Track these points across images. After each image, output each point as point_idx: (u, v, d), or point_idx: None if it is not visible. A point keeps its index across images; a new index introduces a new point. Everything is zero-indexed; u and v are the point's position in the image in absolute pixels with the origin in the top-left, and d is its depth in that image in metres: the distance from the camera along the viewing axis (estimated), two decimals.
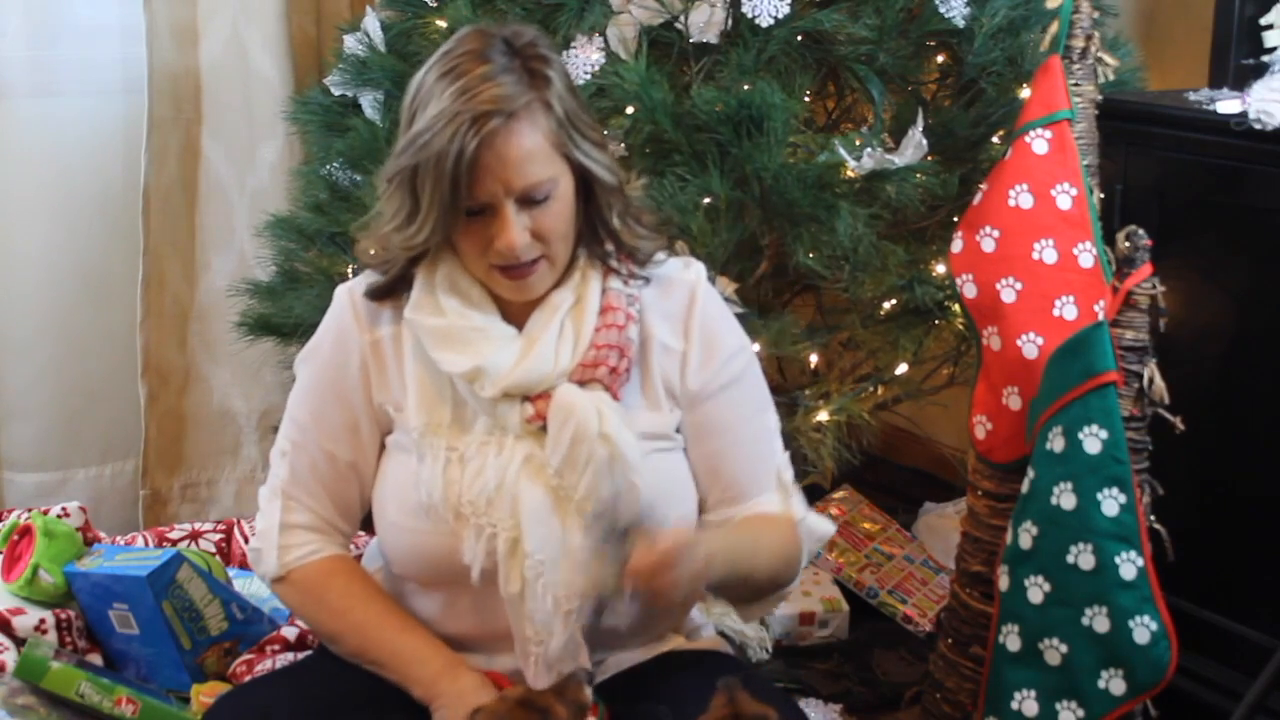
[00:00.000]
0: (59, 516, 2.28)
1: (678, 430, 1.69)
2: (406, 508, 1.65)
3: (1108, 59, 2.07)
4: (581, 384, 1.61)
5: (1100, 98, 2.08)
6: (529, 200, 1.56)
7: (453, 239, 1.60)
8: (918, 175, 2.21)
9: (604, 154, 1.62)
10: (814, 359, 2.56)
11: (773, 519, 1.69)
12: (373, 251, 1.67)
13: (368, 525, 1.75)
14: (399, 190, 1.58)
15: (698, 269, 1.72)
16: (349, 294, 1.70)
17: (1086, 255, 2.00)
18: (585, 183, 1.61)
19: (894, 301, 2.40)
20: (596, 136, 1.62)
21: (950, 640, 2.15)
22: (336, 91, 2.60)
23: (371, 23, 2.53)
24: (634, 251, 1.66)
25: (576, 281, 1.64)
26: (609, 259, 1.65)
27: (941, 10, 2.28)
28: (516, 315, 1.65)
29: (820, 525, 1.74)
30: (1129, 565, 1.79)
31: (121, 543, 2.42)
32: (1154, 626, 1.79)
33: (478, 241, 1.58)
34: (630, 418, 1.63)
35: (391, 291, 1.67)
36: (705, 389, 1.68)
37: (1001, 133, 2.35)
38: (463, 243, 1.59)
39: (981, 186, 2.08)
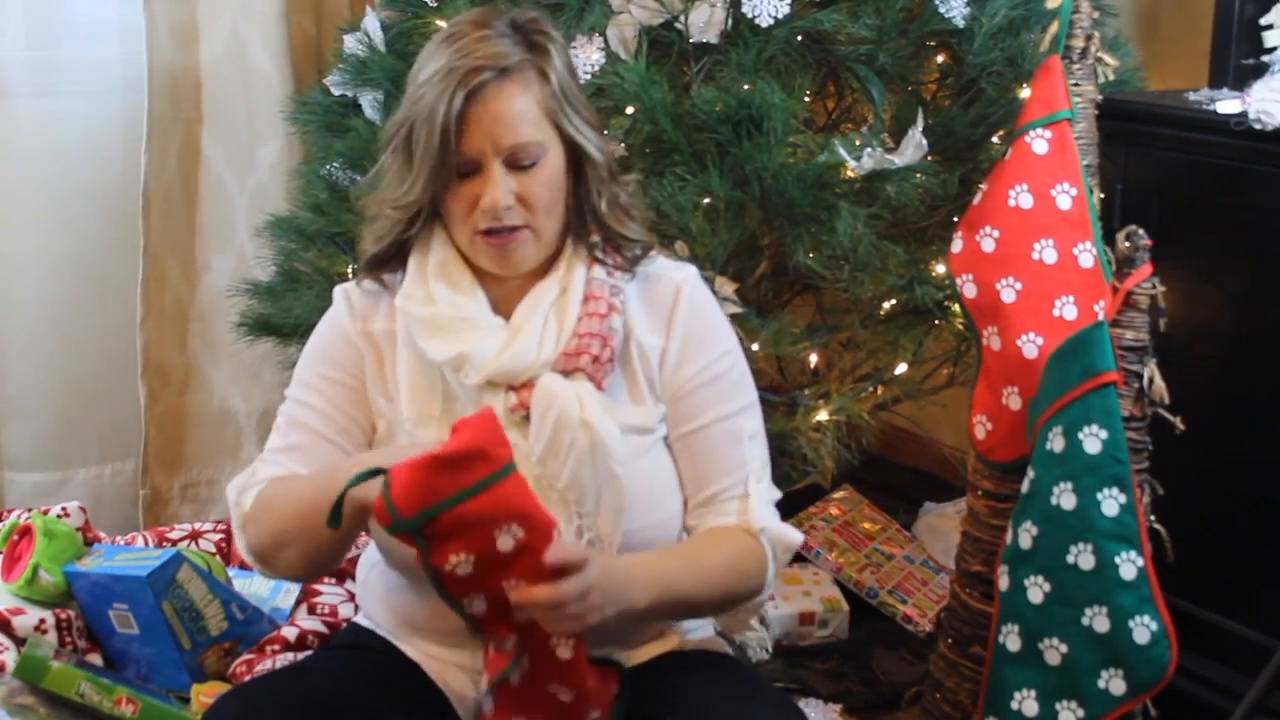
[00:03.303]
0: (59, 516, 2.28)
1: (664, 421, 1.70)
2: None
3: (1108, 59, 2.07)
4: (565, 373, 1.62)
5: (1100, 98, 2.08)
6: (516, 164, 1.58)
7: (442, 205, 1.62)
8: (918, 175, 2.21)
9: (598, 136, 1.64)
10: (814, 359, 2.56)
11: (725, 534, 1.68)
12: (372, 218, 1.69)
13: None
14: (397, 149, 1.62)
15: (689, 271, 1.72)
16: (344, 293, 1.73)
17: (1086, 255, 2.00)
18: (577, 161, 1.63)
19: (894, 301, 2.40)
20: (591, 118, 1.65)
21: (950, 640, 2.15)
22: (336, 91, 2.60)
23: (371, 23, 2.54)
24: (620, 244, 1.67)
25: (562, 273, 1.65)
26: (595, 250, 1.66)
27: (941, 10, 2.28)
28: (506, 307, 1.66)
29: (787, 534, 1.71)
30: (1129, 565, 1.79)
31: (121, 543, 2.42)
32: (1154, 626, 1.79)
33: (465, 204, 1.60)
34: (615, 410, 1.64)
35: (386, 263, 1.68)
36: (683, 388, 1.68)
37: (1001, 133, 2.35)
38: (451, 205, 1.61)
39: (981, 186, 2.08)
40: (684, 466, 1.70)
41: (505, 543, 1.41)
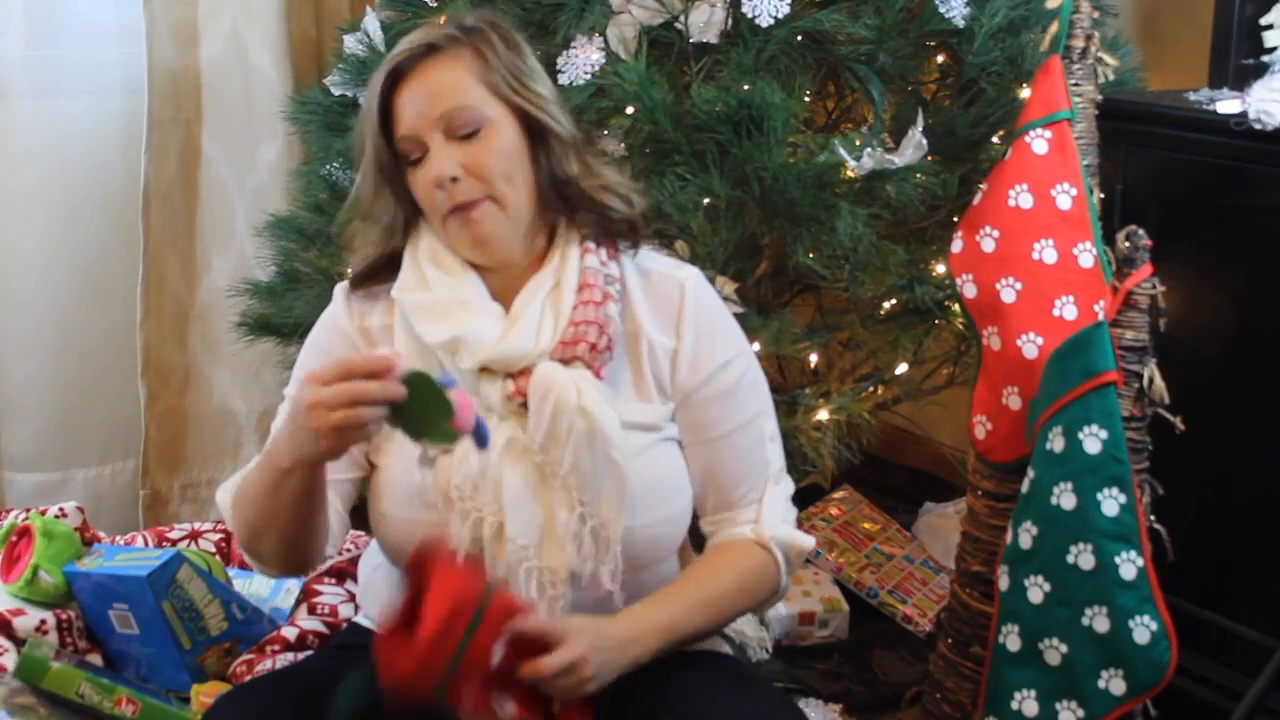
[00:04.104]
0: (56, 516, 2.28)
1: (672, 420, 1.70)
2: (398, 497, 1.65)
3: (1108, 59, 2.08)
4: (564, 362, 1.62)
5: (1100, 98, 2.09)
6: (455, 133, 1.60)
7: (417, 201, 1.64)
8: (918, 175, 2.21)
9: (560, 110, 1.65)
10: (814, 359, 2.56)
11: (736, 552, 1.69)
12: (356, 243, 1.71)
13: (365, 525, 1.75)
14: (361, 162, 1.66)
15: (691, 270, 1.73)
16: (343, 289, 1.74)
17: (1086, 255, 2.00)
18: (537, 135, 1.63)
19: (894, 301, 2.40)
20: (548, 93, 1.65)
21: (950, 640, 2.15)
22: (336, 91, 2.60)
23: (371, 23, 2.54)
24: (607, 223, 1.67)
25: (556, 263, 1.66)
26: (588, 239, 1.66)
27: (941, 10, 2.28)
28: (504, 299, 1.66)
29: (799, 540, 1.72)
30: (1129, 565, 1.79)
31: (121, 543, 2.42)
32: (1154, 626, 1.79)
33: (426, 191, 1.62)
34: (621, 407, 1.64)
35: (373, 276, 1.70)
36: (698, 391, 1.68)
37: (1001, 133, 2.35)
38: (419, 198, 1.64)
39: (981, 186, 2.08)
40: (702, 473, 1.70)
41: (494, 656, 1.45)
